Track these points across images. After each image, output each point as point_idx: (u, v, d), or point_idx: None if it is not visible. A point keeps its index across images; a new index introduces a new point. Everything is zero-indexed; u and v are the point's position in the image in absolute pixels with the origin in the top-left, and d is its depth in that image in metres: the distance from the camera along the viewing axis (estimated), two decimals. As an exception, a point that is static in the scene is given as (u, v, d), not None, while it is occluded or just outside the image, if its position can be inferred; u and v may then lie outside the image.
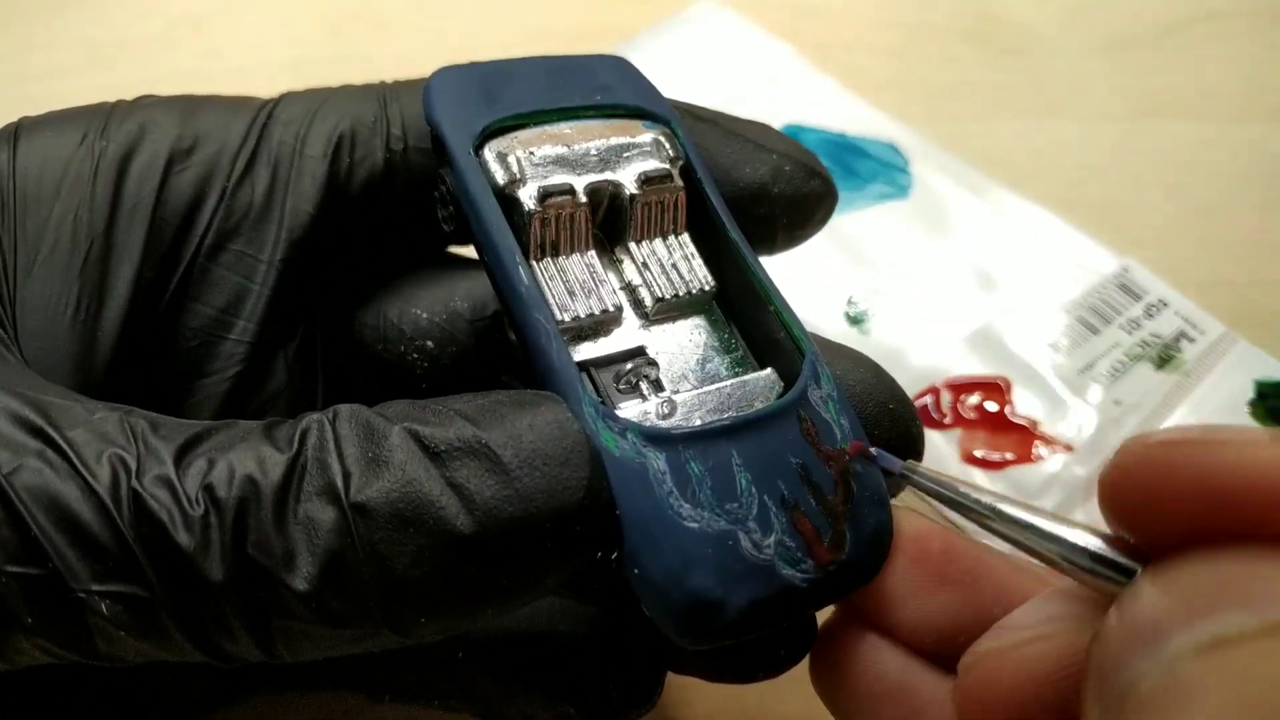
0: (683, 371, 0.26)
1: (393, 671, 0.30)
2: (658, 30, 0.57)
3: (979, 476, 0.40)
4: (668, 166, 0.27)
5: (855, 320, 0.45)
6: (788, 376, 0.25)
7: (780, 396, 0.25)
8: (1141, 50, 0.58)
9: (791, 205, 0.30)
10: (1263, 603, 0.15)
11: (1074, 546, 0.19)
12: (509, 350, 0.30)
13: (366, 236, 0.30)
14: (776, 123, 0.52)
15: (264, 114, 0.28)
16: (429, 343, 0.32)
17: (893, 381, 0.27)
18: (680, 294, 0.26)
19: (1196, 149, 0.53)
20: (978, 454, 0.41)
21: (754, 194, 0.29)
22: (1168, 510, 0.17)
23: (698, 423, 0.23)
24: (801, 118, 0.53)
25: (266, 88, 0.31)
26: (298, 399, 0.30)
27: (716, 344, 0.27)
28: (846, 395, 0.25)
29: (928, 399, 0.43)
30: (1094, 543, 0.19)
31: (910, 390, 0.43)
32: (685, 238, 0.27)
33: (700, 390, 0.24)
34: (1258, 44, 0.59)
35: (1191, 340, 0.44)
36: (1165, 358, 0.44)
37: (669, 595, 0.21)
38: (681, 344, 0.27)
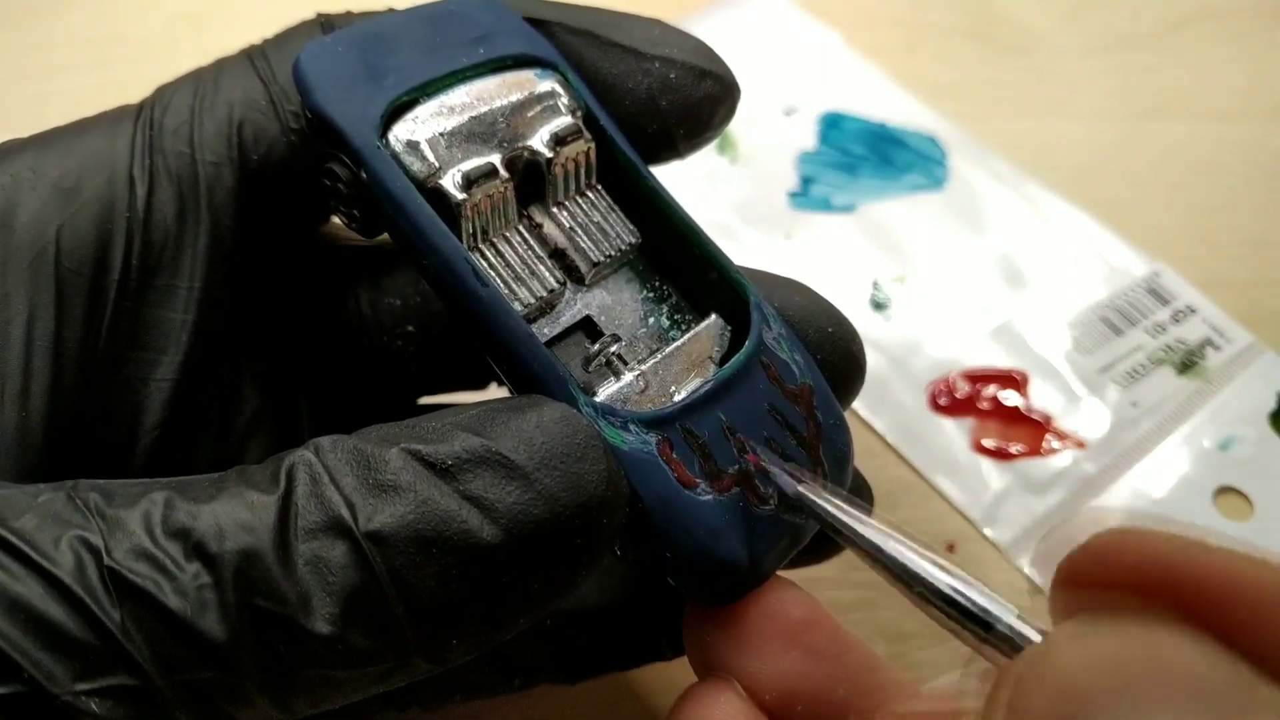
0: (632, 334, 0.26)
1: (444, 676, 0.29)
2: (710, 11, 0.58)
3: (987, 466, 0.41)
4: (572, 119, 0.26)
5: (879, 305, 0.46)
6: (728, 317, 0.25)
7: (728, 339, 0.25)
8: (1143, 49, 0.58)
9: (685, 115, 0.28)
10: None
11: (947, 598, 0.19)
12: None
13: (297, 226, 0.29)
14: (818, 110, 0.53)
15: (144, 123, 0.26)
16: (410, 327, 0.31)
17: (829, 304, 0.27)
18: (613, 254, 0.26)
19: (1198, 148, 0.53)
20: (987, 444, 0.41)
21: (642, 111, 0.27)
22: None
23: (679, 393, 0.24)
24: (844, 106, 0.54)
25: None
26: (281, 419, 0.29)
27: (650, 295, 0.27)
28: (789, 326, 0.26)
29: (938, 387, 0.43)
30: (989, 607, 0.19)
31: (924, 379, 0.44)
32: (600, 190, 0.26)
33: (664, 354, 0.25)
34: (1260, 42, 0.58)
35: (1217, 348, 0.44)
36: (1188, 363, 0.44)
37: (702, 568, 0.23)
38: (620, 303, 0.26)
